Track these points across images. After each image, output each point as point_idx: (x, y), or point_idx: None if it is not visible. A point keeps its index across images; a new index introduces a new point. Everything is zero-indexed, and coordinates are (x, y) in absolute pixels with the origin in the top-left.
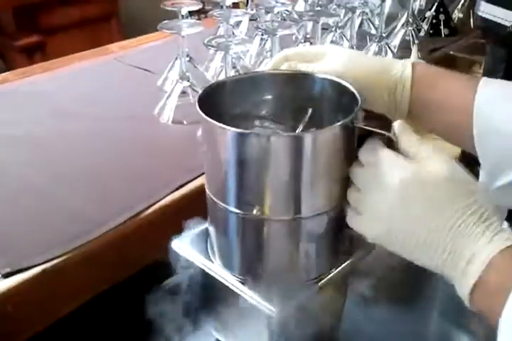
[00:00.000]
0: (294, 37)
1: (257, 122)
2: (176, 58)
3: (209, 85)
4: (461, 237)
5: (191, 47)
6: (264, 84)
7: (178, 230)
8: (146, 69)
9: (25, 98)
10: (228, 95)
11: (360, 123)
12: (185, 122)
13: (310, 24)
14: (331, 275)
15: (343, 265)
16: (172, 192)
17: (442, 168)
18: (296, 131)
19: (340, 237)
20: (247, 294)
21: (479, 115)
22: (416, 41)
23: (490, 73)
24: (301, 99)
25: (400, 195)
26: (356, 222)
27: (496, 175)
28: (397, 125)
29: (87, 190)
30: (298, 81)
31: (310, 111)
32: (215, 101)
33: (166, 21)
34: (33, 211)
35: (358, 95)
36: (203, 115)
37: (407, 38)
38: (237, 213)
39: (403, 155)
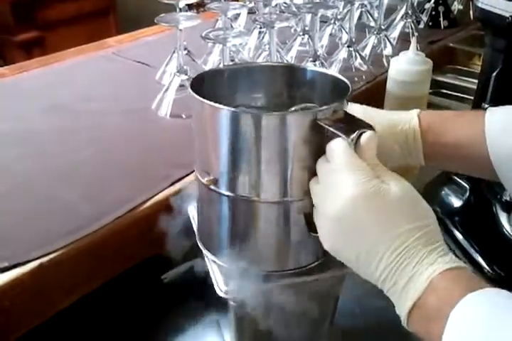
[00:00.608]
0: (292, 29)
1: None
2: (174, 52)
3: (202, 72)
4: (404, 258)
5: (189, 41)
6: (258, 75)
7: (175, 224)
8: (143, 63)
9: (22, 93)
10: (220, 83)
11: (323, 121)
12: (183, 116)
13: (308, 16)
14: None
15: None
16: (169, 186)
17: (399, 189)
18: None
19: None
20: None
21: (493, 147)
22: (415, 33)
23: (489, 65)
24: (295, 90)
25: (352, 205)
26: (313, 212)
27: None
28: (365, 136)
29: (84, 184)
30: (292, 73)
31: (300, 106)
32: (207, 88)
33: (163, 14)
34: (29, 205)
35: (349, 86)
36: (193, 93)
37: (406, 30)
38: (222, 194)
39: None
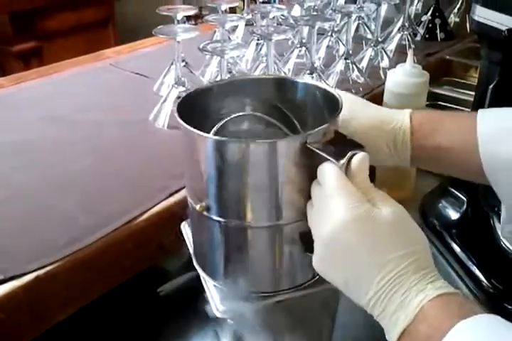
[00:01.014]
0: (289, 42)
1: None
2: (172, 63)
3: (188, 92)
4: (394, 285)
5: (187, 53)
6: (247, 89)
7: (172, 237)
8: (141, 75)
9: (20, 103)
10: (210, 101)
11: (313, 144)
12: (181, 132)
13: (306, 29)
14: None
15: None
16: (166, 198)
17: (390, 213)
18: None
19: None
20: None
21: (486, 154)
22: (412, 45)
23: (486, 77)
24: (287, 104)
25: (342, 229)
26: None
27: None
28: (356, 158)
29: (81, 195)
30: (284, 86)
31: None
32: (196, 108)
33: (161, 26)
34: (25, 217)
35: (339, 100)
36: (179, 120)
37: (403, 42)
38: (215, 220)
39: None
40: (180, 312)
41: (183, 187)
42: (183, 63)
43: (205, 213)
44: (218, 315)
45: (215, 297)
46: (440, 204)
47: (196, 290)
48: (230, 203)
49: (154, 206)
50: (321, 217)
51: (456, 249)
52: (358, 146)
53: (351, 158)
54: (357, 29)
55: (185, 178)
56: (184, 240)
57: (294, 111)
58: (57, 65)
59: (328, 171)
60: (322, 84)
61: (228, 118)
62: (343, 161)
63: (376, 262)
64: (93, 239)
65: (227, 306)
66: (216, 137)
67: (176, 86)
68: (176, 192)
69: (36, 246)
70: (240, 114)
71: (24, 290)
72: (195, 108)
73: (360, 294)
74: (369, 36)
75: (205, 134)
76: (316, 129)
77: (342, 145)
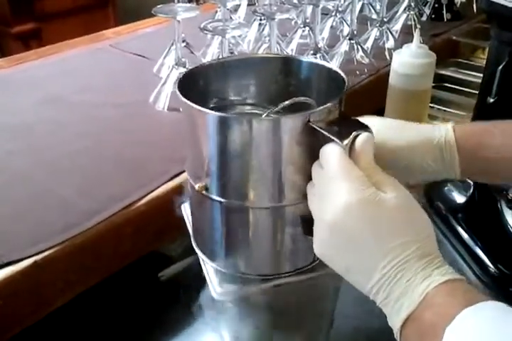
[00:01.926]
0: (293, 22)
1: (241, 106)
2: (172, 44)
3: (190, 69)
4: (398, 271)
5: (188, 33)
6: (250, 67)
7: (172, 221)
8: (141, 56)
9: (19, 85)
10: (212, 78)
11: (317, 123)
12: (181, 109)
13: (309, 8)
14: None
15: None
16: (166, 182)
17: (395, 198)
18: (263, 115)
19: None
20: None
21: None
22: (418, 26)
23: (495, 58)
24: (290, 83)
25: (345, 214)
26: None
27: None
28: (360, 139)
29: (80, 179)
30: (287, 64)
31: (290, 100)
32: (197, 85)
33: (161, 5)
34: (22, 202)
35: (345, 79)
36: (181, 97)
37: (409, 22)
38: (214, 200)
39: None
40: (181, 297)
41: (183, 171)
42: (184, 43)
43: (204, 193)
44: (216, 297)
45: (214, 279)
46: (446, 188)
47: (197, 275)
48: (231, 183)
49: (154, 190)
50: (324, 199)
51: (462, 233)
52: (363, 127)
53: (355, 138)
54: (362, 9)
55: (186, 157)
56: (184, 222)
57: (298, 91)
58: (57, 46)
59: (332, 152)
60: (327, 64)
61: (231, 113)
62: (346, 142)
63: (381, 248)
64: (92, 223)
65: (225, 288)
66: (218, 113)
67: (176, 67)
68: (176, 176)
69: (34, 231)
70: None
71: (22, 276)
72: (197, 85)
73: (362, 280)
74: (374, 16)
75: (207, 110)
76: (320, 108)
77: (346, 125)
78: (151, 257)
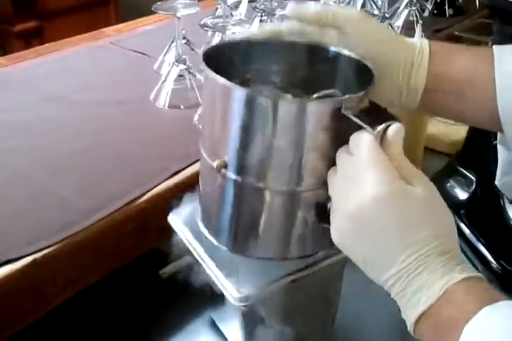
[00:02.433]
0: None
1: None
2: (173, 41)
3: (217, 43)
4: (418, 266)
5: (189, 30)
6: (277, 51)
7: None
8: (142, 53)
9: (19, 83)
10: (236, 57)
11: (347, 110)
12: (182, 106)
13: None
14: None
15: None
16: (167, 179)
17: (422, 192)
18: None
19: None
20: (219, 280)
21: (502, 94)
22: (420, 21)
23: None
24: (315, 71)
25: (372, 205)
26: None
27: None
28: (392, 129)
29: (79, 178)
30: (314, 53)
31: (324, 92)
32: (221, 61)
33: (160, 2)
34: (22, 200)
35: (372, 70)
36: (206, 67)
37: (411, 18)
38: (231, 179)
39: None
40: (181, 295)
41: (184, 168)
42: (184, 40)
43: (222, 171)
44: (235, 303)
45: (228, 285)
46: (448, 184)
47: (198, 272)
48: (251, 162)
49: (154, 187)
50: (350, 188)
51: (465, 229)
52: (393, 117)
53: (387, 128)
54: (363, 5)
55: (203, 133)
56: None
57: (323, 79)
58: (57, 43)
59: (364, 141)
60: (355, 55)
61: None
62: (379, 129)
63: (403, 241)
64: (92, 221)
65: (242, 293)
66: (249, 89)
67: (176, 64)
68: (177, 173)
69: (34, 229)
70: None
71: (22, 274)
72: (220, 63)
73: (379, 271)
74: (376, 12)
75: (237, 86)
76: (353, 95)
77: (377, 114)
78: (151, 255)
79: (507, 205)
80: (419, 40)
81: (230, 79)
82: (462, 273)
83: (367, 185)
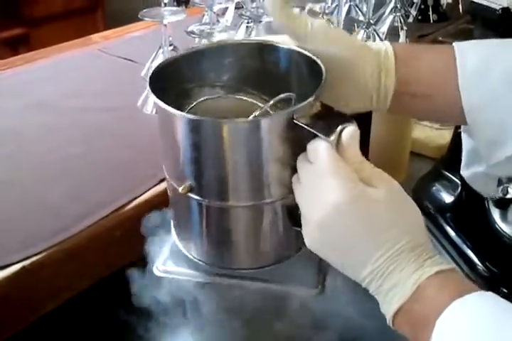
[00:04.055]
0: None
1: (219, 92)
2: (160, 47)
3: (160, 63)
4: (390, 264)
5: (176, 37)
6: (226, 53)
7: None
8: (129, 60)
9: (6, 90)
10: (186, 68)
11: (301, 119)
12: (155, 110)
13: (296, 11)
14: None
15: None
16: (155, 185)
17: (384, 192)
18: (251, 116)
19: None
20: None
21: (465, 89)
22: (404, 27)
23: None
24: (270, 71)
25: (337, 212)
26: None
27: (492, 149)
28: (346, 133)
29: (67, 184)
30: (262, 51)
31: (272, 100)
32: (170, 79)
33: (147, 9)
34: (10, 207)
35: (323, 69)
36: (154, 97)
37: (396, 24)
38: (201, 201)
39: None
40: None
41: None
42: (171, 47)
43: (188, 194)
44: (158, 273)
45: (163, 255)
46: (434, 188)
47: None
48: (214, 183)
49: (143, 194)
50: (313, 196)
51: (451, 232)
52: (347, 119)
53: (341, 132)
54: (348, 11)
55: (163, 158)
56: None
57: (274, 77)
58: (44, 50)
59: (321, 149)
60: (305, 51)
61: (203, 98)
62: (333, 137)
63: (372, 242)
64: (80, 227)
65: (169, 267)
66: (193, 116)
67: None
68: (164, 179)
69: (22, 237)
70: (216, 96)
71: (10, 281)
72: (171, 78)
73: (355, 272)
74: (361, 18)
75: (182, 113)
76: (302, 103)
77: (330, 118)
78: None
79: (491, 208)
80: (381, 44)
81: (183, 88)
82: (433, 267)
83: (328, 192)
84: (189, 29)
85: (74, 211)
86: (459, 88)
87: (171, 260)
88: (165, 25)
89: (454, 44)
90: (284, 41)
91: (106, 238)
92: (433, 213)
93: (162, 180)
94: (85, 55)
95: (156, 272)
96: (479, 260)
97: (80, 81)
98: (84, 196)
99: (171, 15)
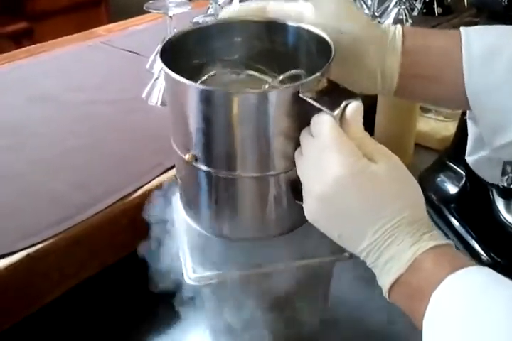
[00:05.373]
0: None
1: (228, 68)
2: (164, 39)
3: (171, 37)
4: (388, 237)
5: (180, 29)
6: (236, 32)
7: None
8: (133, 52)
9: (9, 83)
10: (196, 44)
11: (306, 94)
12: (165, 80)
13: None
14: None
15: None
16: (160, 174)
17: (385, 167)
18: (262, 88)
19: None
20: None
21: (469, 74)
22: (409, 20)
23: None
24: (279, 47)
25: (338, 185)
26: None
27: (495, 134)
28: (350, 108)
29: (72, 174)
30: (271, 30)
31: (290, 72)
32: (180, 54)
33: (152, 1)
34: (15, 197)
35: (332, 46)
36: (165, 67)
37: (400, 17)
38: (203, 170)
39: (354, 140)
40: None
41: None
42: None
43: (194, 163)
44: (189, 282)
45: (188, 264)
46: (439, 179)
47: None
48: (219, 153)
49: (148, 182)
50: (314, 170)
51: (455, 223)
52: (352, 95)
53: (345, 107)
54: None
55: (172, 127)
56: None
57: (284, 55)
58: (48, 43)
59: (324, 123)
60: (314, 29)
61: (212, 73)
62: (337, 112)
63: (370, 217)
64: (86, 216)
65: (200, 273)
66: (204, 86)
67: None
68: (170, 168)
69: (27, 225)
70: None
71: (15, 269)
72: (181, 53)
73: (353, 245)
74: (366, 11)
75: (193, 83)
76: (309, 78)
77: (335, 94)
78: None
79: (496, 198)
80: (391, 26)
81: (193, 64)
82: (430, 241)
83: (330, 166)
84: (194, 20)
85: (79, 200)
86: (463, 72)
87: (199, 266)
88: (170, 17)
89: (461, 28)
90: (288, 10)
91: (111, 226)
92: (437, 204)
93: (168, 169)
94: (89, 48)
95: (190, 282)
96: (483, 250)
97: (83, 74)
98: (90, 185)
99: (176, 7)
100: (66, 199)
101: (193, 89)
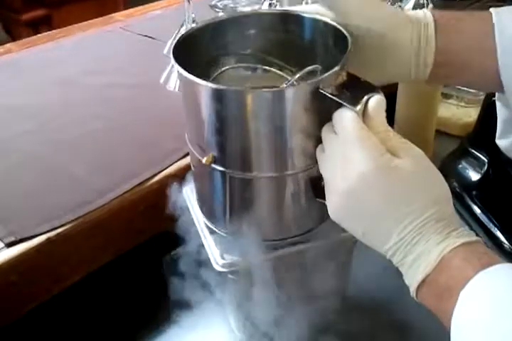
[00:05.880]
0: None
1: (243, 62)
2: (182, 25)
3: (183, 34)
4: (415, 235)
5: (199, 14)
6: (250, 25)
7: None
8: (151, 37)
9: (29, 68)
10: (210, 39)
11: (326, 89)
12: (179, 81)
13: None
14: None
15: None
16: (179, 159)
17: (410, 162)
18: (280, 86)
19: None
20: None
21: (504, 57)
22: (430, 5)
23: None
24: (295, 40)
25: (362, 182)
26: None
27: None
28: (372, 102)
29: (92, 158)
30: (286, 21)
31: (299, 73)
32: (194, 51)
33: None
34: (36, 181)
35: (348, 38)
36: (178, 66)
37: (421, 1)
38: (224, 172)
39: (378, 135)
40: (193, 276)
41: None
42: (194, 24)
43: (212, 165)
44: (218, 268)
45: (215, 251)
46: (460, 166)
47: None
48: (238, 154)
49: (167, 168)
50: (338, 166)
51: (477, 210)
52: (373, 89)
53: (367, 101)
54: None
55: (187, 128)
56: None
57: (300, 48)
58: (67, 29)
59: (347, 119)
60: (330, 21)
61: (228, 67)
62: (360, 107)
63: (396, 214)
64: (105, 200)
65: (227, 259)
66: (218, 86)
67: None
68: (188, 154)
69: (48, 209)
70: (238, 65)
71: (35, 253)
72: (194, 50)
73: (378, 243)
74: None
75: (207, 83)
76: (328, 73)
77: (356, 88)
78: (164, 235)
79: None
80: (420, 12)
81: (207, 58)
82: (458, 238)
83: (354, 162)
84: (213, 3)
85: (98, 184)
86: (497, 55)
87: (225, 252)
88: (188, 1)
89: (491, 10)
90: (311, 11)
91: (129, 211)
92: (459, 191)
93: (186, 155)
94: (107, 33)
95: (219, 268)
96: (506, 238)
97: (102, 58)
98: (109, 170)
99: None
100: (86, 183)
101: (205, 87)
